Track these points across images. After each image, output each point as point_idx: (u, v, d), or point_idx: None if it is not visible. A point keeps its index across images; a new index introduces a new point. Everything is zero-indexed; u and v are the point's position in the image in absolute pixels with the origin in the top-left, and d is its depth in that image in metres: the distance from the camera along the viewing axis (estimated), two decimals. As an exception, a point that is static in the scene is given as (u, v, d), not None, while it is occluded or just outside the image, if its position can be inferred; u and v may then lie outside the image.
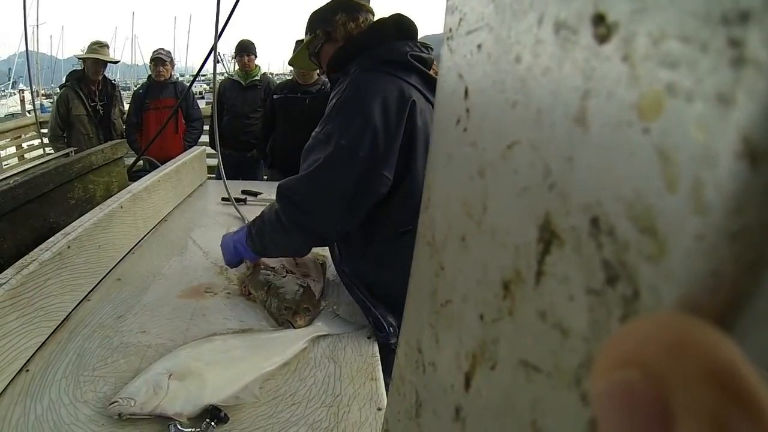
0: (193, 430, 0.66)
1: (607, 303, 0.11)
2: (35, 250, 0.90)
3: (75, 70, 2.90)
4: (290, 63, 1.30)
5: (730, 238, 0.09)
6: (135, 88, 3.08)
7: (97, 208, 1.16)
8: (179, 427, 0.66)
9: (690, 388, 0.09)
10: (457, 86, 0.22)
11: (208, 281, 1.12)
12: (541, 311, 0.14)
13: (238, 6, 1.45)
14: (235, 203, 1.59)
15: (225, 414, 0.69)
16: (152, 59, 2.85)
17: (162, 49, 2.89)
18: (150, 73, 2.89)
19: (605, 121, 0.11)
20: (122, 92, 3.16)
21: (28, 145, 4.09)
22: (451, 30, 0.23)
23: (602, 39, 0.12)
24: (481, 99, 0.19)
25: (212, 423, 0.68)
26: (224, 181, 1.62)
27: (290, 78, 2.57)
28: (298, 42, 1.17)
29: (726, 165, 0.09)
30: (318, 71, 1.10)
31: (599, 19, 0.12)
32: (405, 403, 0.28)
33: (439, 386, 0.22)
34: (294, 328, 0.94)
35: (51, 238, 0.95)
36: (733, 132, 0.09)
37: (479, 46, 0.20)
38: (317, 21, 1.04)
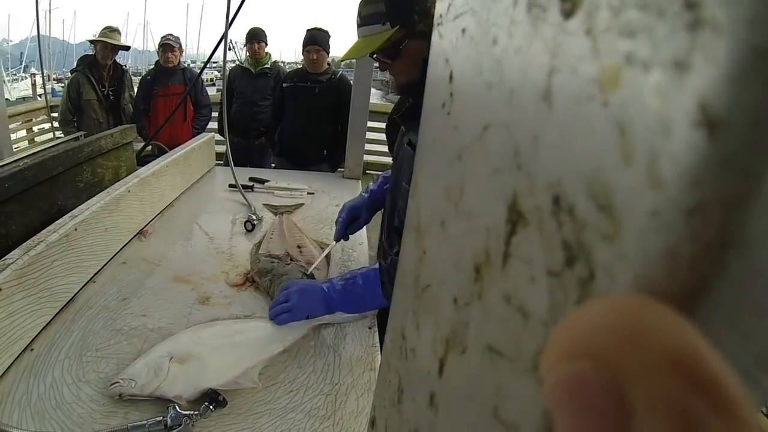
0: (192, 413, 0.67)
1: (565, 285, 0.11)
2: (43, 231, 0.91)
3: (86, 55, 2.90)
4: (348, 56, 0.95)
5: (686, 214, 0.08)
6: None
7: (104, 191, 1.17)
8: (178, 409, 0.67)
9: (649, 378, 0.08)
10: (443, 71, 0.22)
11: (213, 266, 1.13)
12: (506, 294, 0.13)
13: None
14: (242, 190, 1.60)
15: (224, 398, 0.70)
16: (160, 45, 2.82)
17: (170, 34, 2.87)
18: (159, 59, 2.88)
19: (568, 97, 0.11)
20: (133, 77, 3.15)
21: (38, 129, 4.12)
22: (441, 16, 0.23)
23: (568, 14, 0.11)
24: (463, 82, 0.19)
25: (211, 407, 0.68)
26: (232, 168, 1.63)
27: (300, 66, 2.56)
28: (360, 33, 0.86)
29: (682, 134, 0.08)
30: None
31: None
32: (389, 390, 0.28)
33: (417, 372, 0.22)
34: (295, 315, 0.94)
35: (59, 220, 0.97)
36: (690, 99, 0.08)
37: (463, 30, 0.19)
38: (411, 7, 0.78)
